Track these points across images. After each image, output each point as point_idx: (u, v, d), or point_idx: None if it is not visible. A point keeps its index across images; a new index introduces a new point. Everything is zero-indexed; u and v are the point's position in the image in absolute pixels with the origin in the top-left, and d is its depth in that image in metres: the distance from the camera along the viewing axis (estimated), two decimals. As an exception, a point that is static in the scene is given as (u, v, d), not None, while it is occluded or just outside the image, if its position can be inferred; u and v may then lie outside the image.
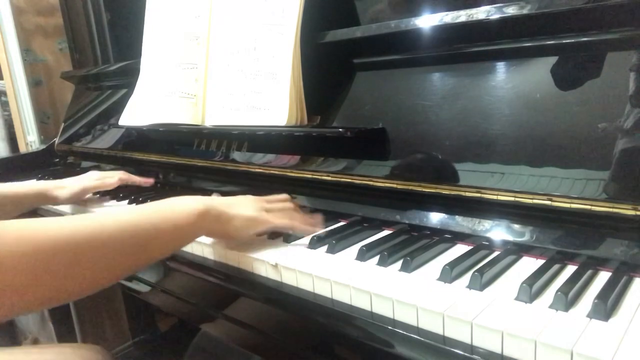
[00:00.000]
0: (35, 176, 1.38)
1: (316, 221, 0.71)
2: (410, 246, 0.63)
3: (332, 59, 0.83)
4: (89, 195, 1.04)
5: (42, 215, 1.07)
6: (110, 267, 0.51)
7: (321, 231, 0.70)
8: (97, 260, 0.49)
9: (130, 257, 0.54)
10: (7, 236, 0.43)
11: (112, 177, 1.03)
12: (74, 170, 1.46)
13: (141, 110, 1.04)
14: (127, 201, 1.01)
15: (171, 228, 0.58)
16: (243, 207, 0.67)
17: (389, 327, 0.49)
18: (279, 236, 0.70)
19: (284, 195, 0.76)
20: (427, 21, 0.68)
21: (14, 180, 1.37)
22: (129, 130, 1.20)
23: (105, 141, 1.31)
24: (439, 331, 0.46)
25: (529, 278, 0.50)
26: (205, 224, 0.62)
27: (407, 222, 0.70)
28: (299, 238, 0.69)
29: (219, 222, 0.63)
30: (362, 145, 0.75)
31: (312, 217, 0.71)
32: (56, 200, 0.99)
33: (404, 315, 0.49)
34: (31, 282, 0.43)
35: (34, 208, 1.00)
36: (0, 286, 0.41)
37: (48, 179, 1.32)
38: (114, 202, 1.03)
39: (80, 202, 1.02)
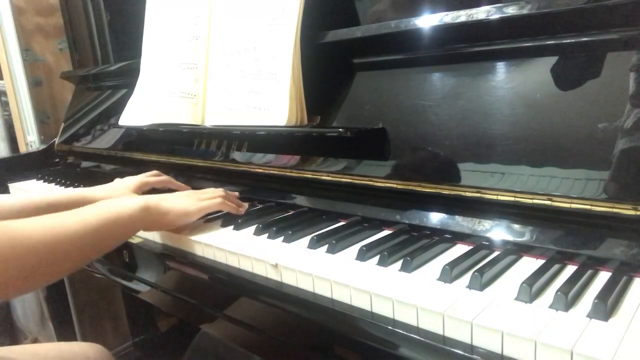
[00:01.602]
0: (36, 176, 1.38)
1: (242, 205, 0.83)
2: (410, 246, 0.63)
3: (332, 59, 0.83)
4: None
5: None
6: (76, 260, 0.62)
7: (323, 230, 0.70)
8: (67, 256, 0.61)
9: (91, 251, 0.65)
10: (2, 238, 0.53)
11: (155, 176, 0.99)
12: (74, 170, 1.47)
13: (141, 110, 1.04)
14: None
15: (119, 226, 0.67)
16: (177, 200, 0.77)
17: (389, 327, 0.49)
18: (279, 236, 0.70)
19: (219, 190, 0.84)
20: (427, 21, 0.68)
21: (14, 180, 1.37)
22: (129, 130, 1.20)
23: (105, 141, 1.31)
24: (439, 331, 0.46)
25: (529, 278, 0.50)
26: (146, 218, 0.71)
27: (407, 222, 0.70)
28: (300, 238, 0.69)
29: (157, 214, 0.73)
30: (362, 145, 0.75)
31: (240, 204, 0.84)
32: None
33: (404, 315, 0.49)
34: (20, 274, 0.54)
35: None
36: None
37: (48, 179, 1.32)
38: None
39: None
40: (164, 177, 1.00)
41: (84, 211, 0.65)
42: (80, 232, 0.62)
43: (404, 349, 0.47)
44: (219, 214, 0.83)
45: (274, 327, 0.61)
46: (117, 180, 0.97)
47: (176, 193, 0.81)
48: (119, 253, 0.85)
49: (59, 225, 0.60)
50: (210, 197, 0.79)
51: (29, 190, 1.27)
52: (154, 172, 1.01)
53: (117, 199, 0.73)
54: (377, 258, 0.59)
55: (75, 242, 0.61)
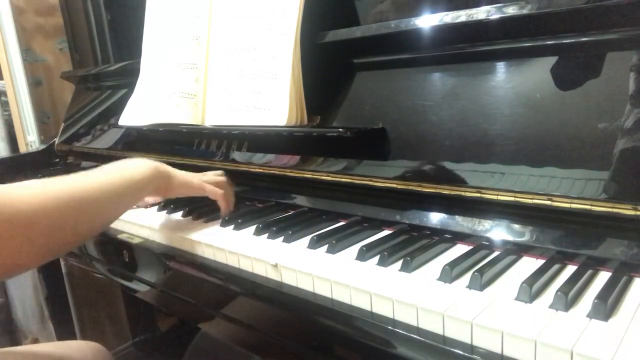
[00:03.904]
0: (35, 176, 1.38)
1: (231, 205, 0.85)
2: (410, 246, 0.63)
3: (332, 59, 0.83)
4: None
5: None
6: (99, 216, 0.65)
7: (323, 230, 0.70)
8: (92, 211, 0.63)
9: (111, 209, 0.67)
10: (33, 192, 0.59)
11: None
12: (74, 170, 1.46)
13: (141, 110, 1.04)
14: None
15: (134, 184, 0.70)
16: (182, 171, 0.81)
17: (389, 327, 0.49)
18: (279, 236, 0.70)
19: (219, 172, 0.87)
20: (427, 21, 0.68)
21: (14, 180, 1.37)
22: (129, 130, 1.20)
23: (105, 141, 1.31)
24: (439, 331, 0.46)
25: (529, 278, 0.50)
26: (155, 179, 0.74)
27: (407, 222, 0.70)
28: (300, 238, 0.69)
29: (166, 177, 0.77)
30: (362, 145, 0.75)
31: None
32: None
33: (404, 315, 0.49)
34: (52, 228, 0.57)
35: None
36: (35, 233, 0.55)
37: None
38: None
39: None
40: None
41: (106, 169, 0.68)
42: (104, 188, 0.64)
43: (404, 349, 0.47)
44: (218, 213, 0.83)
45: (273, 327, 0.61)
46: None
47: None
48: (119, 253, 0.85)
49: (84, 181, 0.62)
50: (214, 183, 0.82)
51: (29, 190, 1.27)
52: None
53: (131, 160, 0.75)
54: (377, 258, 0.59)
55: (99, 198, 0.63)
